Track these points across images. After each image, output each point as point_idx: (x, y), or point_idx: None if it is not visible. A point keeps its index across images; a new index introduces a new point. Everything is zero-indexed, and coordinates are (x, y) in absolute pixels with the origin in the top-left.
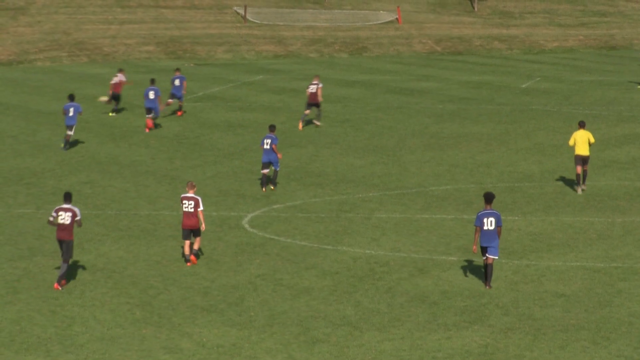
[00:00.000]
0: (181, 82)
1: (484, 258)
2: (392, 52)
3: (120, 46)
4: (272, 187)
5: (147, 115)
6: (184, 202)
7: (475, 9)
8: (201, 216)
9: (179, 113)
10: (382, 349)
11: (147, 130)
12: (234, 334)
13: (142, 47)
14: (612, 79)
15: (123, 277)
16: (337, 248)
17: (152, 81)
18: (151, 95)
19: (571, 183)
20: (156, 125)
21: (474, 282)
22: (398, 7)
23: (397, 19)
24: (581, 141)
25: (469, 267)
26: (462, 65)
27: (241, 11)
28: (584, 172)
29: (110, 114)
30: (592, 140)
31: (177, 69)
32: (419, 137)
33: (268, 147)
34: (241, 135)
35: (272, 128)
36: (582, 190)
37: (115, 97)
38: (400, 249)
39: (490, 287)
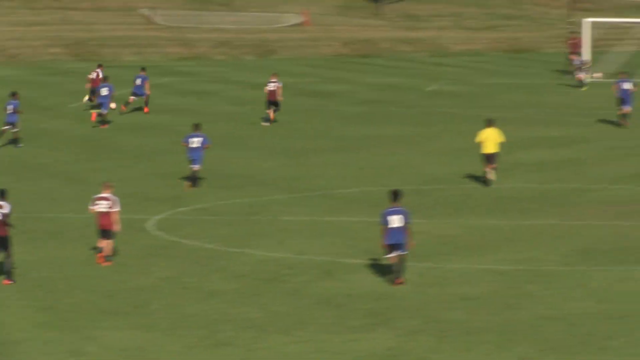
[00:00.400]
0: (143, 82)
1: (389, 256)
2: (300, 54)
3: (27, 48)
4: (191, 186)
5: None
6: (98, 202)
7: (382, 12)
8: (116, 217)
9: (146, 109)
10: (287, 351)
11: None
12: (139, 337)
13: (49, 49)
14: (519, 81)
15: (27, 280)
16: (244, 251)
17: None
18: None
19: (478, 185)
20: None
21: (379, 284)
22: (306, 9)
23: (304, 21)
24: (489, 139)
25: (375, 270)
26: (369, 67)
27: (148, 13)
28: (492, 170)
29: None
30: (501, 138)
31: (143, 69)
32: (326, 140)
33: (196, 145)
34: (148, 138)
35: (198, 127)
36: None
37: (94, 92)
38: (306, 252)
39: (400, 282)
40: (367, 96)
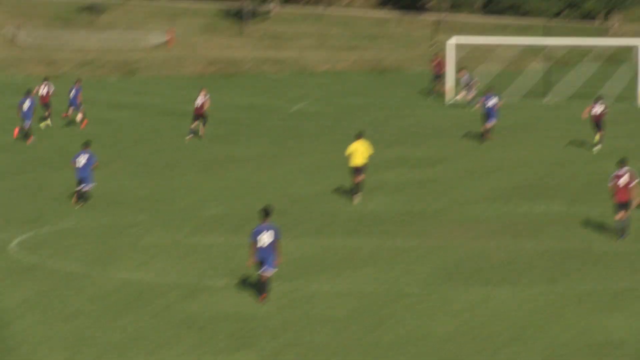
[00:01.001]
0: (77, 92)
1: (259, 272)
2: (164, 74)
3: None
4: (80, 204)
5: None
6: None
7: (246, 32)
8: None
9: (84, 121)
10: None
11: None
12: None
13: None
14: (382, 101)
15: None
16: (107, 272)
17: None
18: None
19: (341, 206)
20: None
21: (243, 306)
22: (170, 29)
23: (168, 41)
24: (357, 152)
25: (239, 291)
26: (233, 87)
27: (12, 32)
28: (361, 182)
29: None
30: (370, 151)
31: (78, 80)
32: (190, 159)
33: (81, 165)
34: (12, 155)
35: (87, 145)
36: (357, 201)
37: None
38: (169, 273)
39: (264, 300)
40: (231, 116)
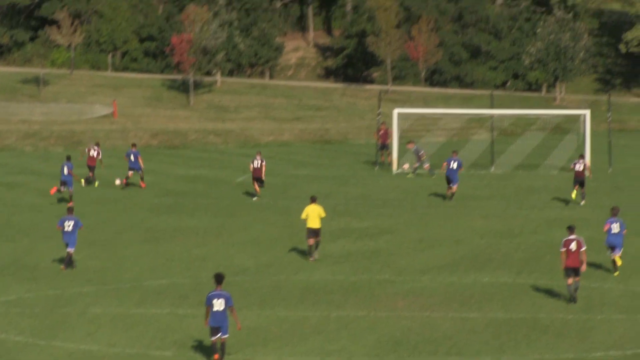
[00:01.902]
0: (135, 157)
1: (213, 338)
2: (109, 145)
3: None
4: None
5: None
6: None
7: (191, 103)
8: None
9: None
10: None
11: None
12: None
13: None
14: (327, 172)
15: None
16: (52, 343)
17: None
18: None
19: (287, 276)
20: None
21: None
22: (114, 100)
23: (113, 112)
24: (313, 215)
25: None
26: (178, 159)
27: None
28: (317, 243)
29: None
30: (323, 214)
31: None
32: (136, 231)
33: (70, 229)
34: None
35: (71, 210)
36: (315, 259)
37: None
38: (115, 344)
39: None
40: (176, 187)
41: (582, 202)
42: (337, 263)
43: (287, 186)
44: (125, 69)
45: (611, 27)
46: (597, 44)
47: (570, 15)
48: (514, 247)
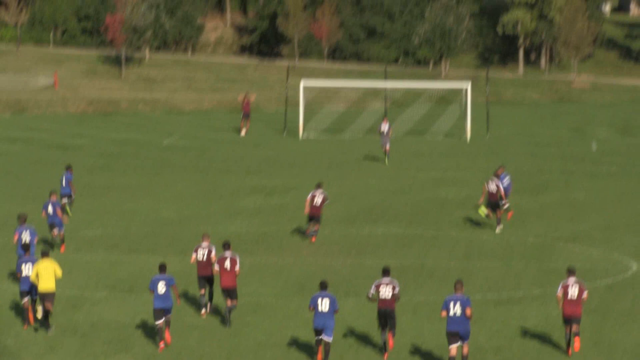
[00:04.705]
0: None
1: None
2: (50, 112)
3: None
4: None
5: None
6: None
7: (123, 76)
8: None
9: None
10: None
11: None
12: None
13: None
14: (242, 137)
15: None
16: None
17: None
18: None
19: (207, 228)
20: None
21: (120, 315)
22: (55, 72)
23: (54, 83)
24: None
25: (116, 302)
26: (110, 124)
27: None
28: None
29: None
30: (59, 273)
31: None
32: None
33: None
34: None
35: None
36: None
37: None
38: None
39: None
40: (108, 150)
41: (498, 229)
42: (250, 216)
43: (206, 149)
44: (65, 44)
45: (490, 11)
46: (477, 25)
47: (454, 0)
48: (404, 202)
